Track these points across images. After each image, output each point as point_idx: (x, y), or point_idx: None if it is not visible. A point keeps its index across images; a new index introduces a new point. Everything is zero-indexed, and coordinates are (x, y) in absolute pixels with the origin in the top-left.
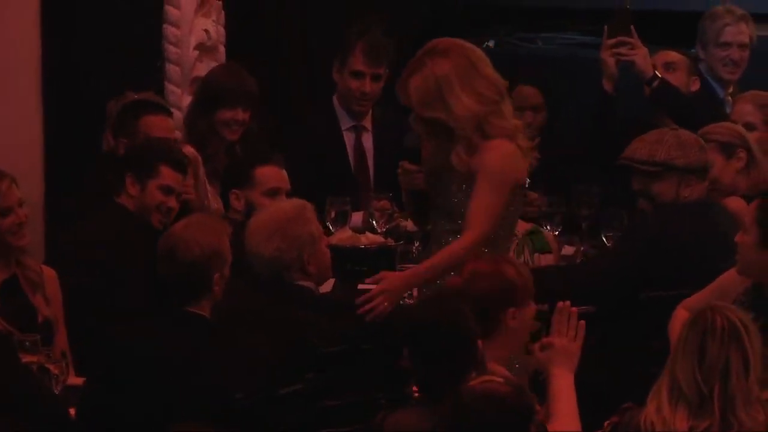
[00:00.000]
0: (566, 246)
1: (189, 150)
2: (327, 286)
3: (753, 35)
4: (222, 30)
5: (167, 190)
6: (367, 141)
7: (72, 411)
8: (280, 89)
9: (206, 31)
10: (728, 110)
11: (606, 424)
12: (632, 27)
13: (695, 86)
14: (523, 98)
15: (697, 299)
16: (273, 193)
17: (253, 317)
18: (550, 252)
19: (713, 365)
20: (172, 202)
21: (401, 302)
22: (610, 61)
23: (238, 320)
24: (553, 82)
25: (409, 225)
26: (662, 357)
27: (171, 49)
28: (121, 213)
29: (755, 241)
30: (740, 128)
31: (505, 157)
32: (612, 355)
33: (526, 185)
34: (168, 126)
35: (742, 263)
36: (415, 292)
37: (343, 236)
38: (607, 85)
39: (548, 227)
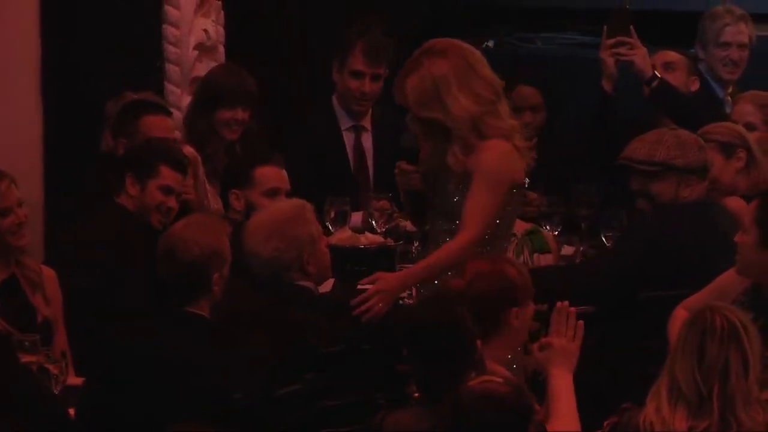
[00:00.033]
0: (566, 246)
1: (188, 150)
2: (326, 286)
3: (752, 35)
4: (221, 30)
5: (167, 190)
6: (367, 141)
7: (71, 411)
8: (280, 89)
9: (206, 31)
10: (728, 110)
11: (605, 424)
12: (631, 27)
13: (695, 86)
14: (523, 98)
15: (696, 299)
16: (273, 193)
17: (253, 317)
18: (549, 252)
19: (712, 365)
20: (172, 202)
21: (400, 302)
22: (610, 61)
23: (238, 320)
24: (553, 82)
25: (408, 225)
26: (661, 357)
27: (170, 49)
28: (121, 213)
29: (755, 241)
30: (740, 128)
31: (502, 157)
32: (611, 355)
33: (526, 185)
34: (167, 126)
35: (741, 263)
36: (414, 292)
37: (342, 236)
38: (607, 85)
39: (548, 227)
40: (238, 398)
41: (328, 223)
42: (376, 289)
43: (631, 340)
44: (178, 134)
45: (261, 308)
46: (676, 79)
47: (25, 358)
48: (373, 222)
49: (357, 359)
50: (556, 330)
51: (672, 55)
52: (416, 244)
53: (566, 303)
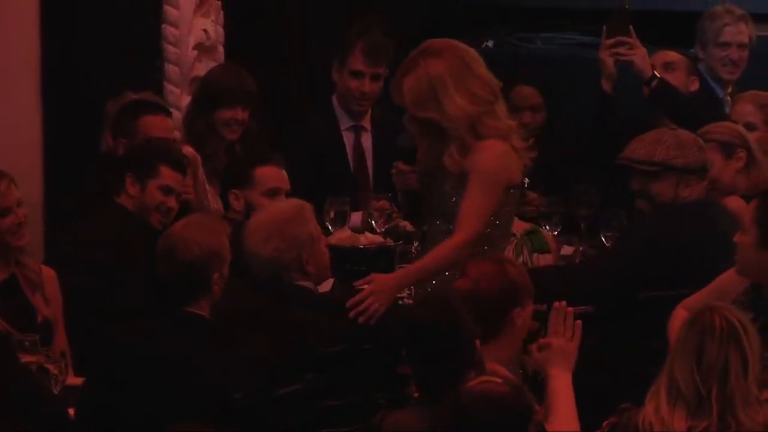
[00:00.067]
0: (565, 246)
1: (188, 150)
2: (326, 286)
3: (752, 35)
4: (221, 30)
5: (167, 190)
6: (367, 141)
7: (71, 411)
8: (279, 89)
9: (205, 31)
10: (727, 110)
11: (605, 424)
12: (631, 27)
13: (694, 86)
14: (522, 98)
15: (696, 299)
16: (273, 193)
17: (253, 317)
18: (549, 252)
19: (712, 365)
20: (172, 202)
21: (400, 302)
22: (609, 61)
23: (238, 320)
24: (553, 82)
25: (408, 225)
26: (661, 357)
27: (170, 49)
28: (121, 213)
29: (754, 241)
30: (740, 128)
31: (498, 157)
32: (611, 355)
33: (526, 185)
34: (167, 126)
35: (741, 263)
36: (414, 292)
37: (342, 236)
38: (606, 85)
39: (547, 227)
40: (238, 398)
41: (327, 223)
42: (370, 290)
43: (631, 340)
44: (177, 134)
45: (261, 308)
46: (675, 79)
47: (25, 358)
48: (373, 222)
49: (357, 359)
50: (554, 330)
51: (671, 55)
52: (416, 244)
53: (563, 303)
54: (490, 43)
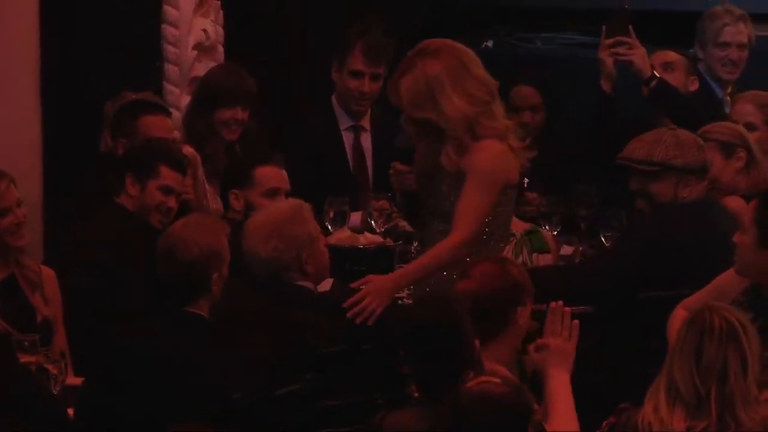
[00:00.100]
0: (565, 246)
1: (188, 150)
2: (325, 286)
3: (752, 35)
4: (220, 30)
5: (167, 190)
6: (366, 141)
7: (71, 411)
8: (279, 89)
9: (205, 31)
10: (727, 110)
11: (604, 424)
12: (630, 27)
13: (694, 86)
14: (522, 98)
15: (695, 299)
16: (272, 193)
17: (252, 317)
18: (548, 252)
19: (711, 366)
20: (172, 202)
21: (399, 302)
22: (608, 61)
23: (237, 320)
24: (553, 82)
25: (407, 225)
26: (661, 357)
27: (170, 49)
28: (121, 213)
29: (753, 241)
30: (740, 128)
31: (495, 157)
32: (610, 355)
33: (525, 185)
34: (166, 126)
35: (740, 263)
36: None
37: (341, 236)
38: (605, 85)
39: (547, 227)
40: (238, 398)
41: (327, 223)
42: (367, 290)
43: (631, 340)
44: (177, 134)
45: (261, 308)
46: (675, 79)
47: (25, 358)
48: (372, 222)
49: (357, 359)
50: (551, 330)
51: (671, 55)
52: (415, 244)
53: (560, 303)
54: (489, 43)
